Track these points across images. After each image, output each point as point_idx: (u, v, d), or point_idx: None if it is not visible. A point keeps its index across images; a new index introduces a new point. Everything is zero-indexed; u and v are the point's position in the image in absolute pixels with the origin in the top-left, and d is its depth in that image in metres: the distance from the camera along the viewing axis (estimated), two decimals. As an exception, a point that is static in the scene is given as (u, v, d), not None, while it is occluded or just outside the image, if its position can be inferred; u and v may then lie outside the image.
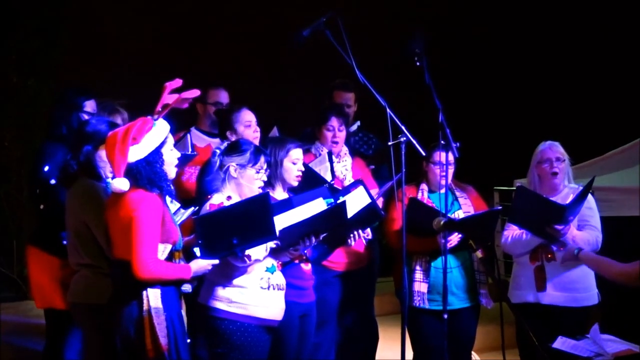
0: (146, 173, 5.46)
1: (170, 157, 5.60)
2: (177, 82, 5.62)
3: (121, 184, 5.39)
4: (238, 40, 12.88)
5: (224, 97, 8.02)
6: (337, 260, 7.18)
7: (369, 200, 6.48)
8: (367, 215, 6.52)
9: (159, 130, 5.54)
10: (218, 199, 5.93)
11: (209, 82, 8.05)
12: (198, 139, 7.63)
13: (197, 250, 5.68)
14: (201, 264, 5.60)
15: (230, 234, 5.56)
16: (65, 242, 6.12)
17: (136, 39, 12.37)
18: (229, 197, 5.93)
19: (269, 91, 12.28)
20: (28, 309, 8.60)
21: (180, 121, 6.45)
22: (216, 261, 5.65)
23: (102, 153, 5.88)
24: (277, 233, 5.71)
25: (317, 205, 6.06)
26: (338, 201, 6.16)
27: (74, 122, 6.54)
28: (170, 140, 5.62)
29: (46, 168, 6.45)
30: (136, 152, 5.44)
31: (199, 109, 7.86)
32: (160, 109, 5.57)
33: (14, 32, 11.00)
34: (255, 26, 12.94)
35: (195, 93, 5.78)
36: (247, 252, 5.72)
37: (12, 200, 10.86)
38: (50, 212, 6.44)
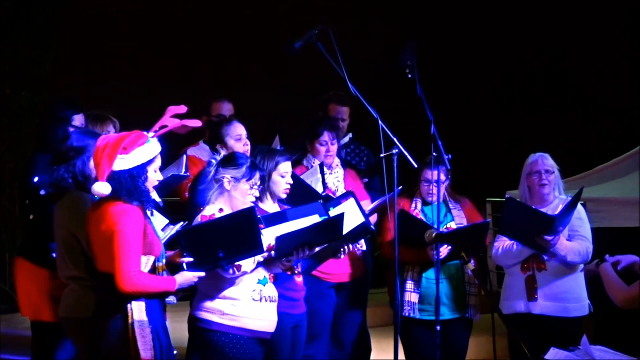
0: (127, 185, 5.43)
1: (153, 178, 5.57)
2: (182, 109, 5.66)
3: (103, 188, 5.36)
4: (238, 51, 12.90)
5: (227, 109, 8.04)
6: (331, 271, 7.19)
7: (359, 213, 6.47)
8: (358, 231, 6.52)
9: (150, 148, 5.51)
10: (210, 211, 5.92)
11: (204, 94, 8.07)
12: (204, 152, 7.63)
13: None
14: (187, 277, 5.57)
15: (216, 247, 5.57)
16: (54, 255, 6.09)
17: (130, 51, 12.38)
18: (221, 210, 5.92)
19: (271, 101, 12.29)
20: (20, 321, 8.57)
21: (189, 135, 6.48)
22: (202, 274, 5.62)
23: (92, 164, 5.88)
24: (275, 242, 5.73)
25: (312, 221, 6.06)
26: (334, 214, 6.16)
27: (61, 135, 6.51)
28: (158, 162, 5.59)
29: (36, 179, 6.43)
30: (123, 162, 5.43)
31: (204, 123, 7.87)
32: (157, 129, 5.57)
33: (5, 43, 11.00)
34: (255, 35, 12.96)
35: (197, 123, 5.84)
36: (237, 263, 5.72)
37: (4, 212, 10.85)
38: (40, 223, 6.41)
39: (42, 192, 6.28)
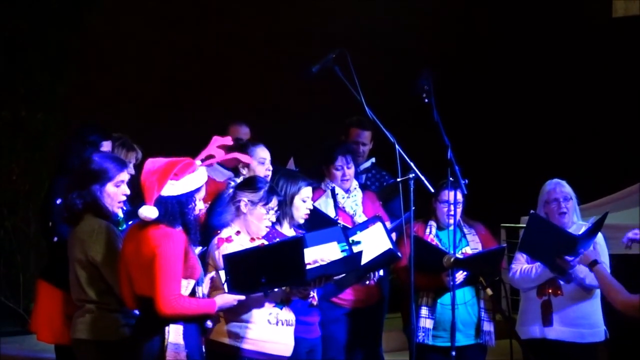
0: (174, 211, 5.45)
1: (199, 206, 5.61)
2: (228, 140, 5.70)
3: (150, 211, 5.37)
4: (253, 71, 12.94)
5: (244, 132, 8.06)
6: (347, 297, 7.16)
7: (386, 239, 6.47)
8: (385, 259, 6.51)
9: (199, 176, 5.55)
10: (227, 233, 5.93)
11: (216, 118, 8.09)
12: (218, 173, 7.66)
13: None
14: (227, 299, 5.55)
15: (259, 273, 5.54)
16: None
17: (144, 75, 12.42)
18: (237, 232, 5.94)
19: (285, 123, 12.31)
20: (33, 343, 8.57)
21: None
22: (242, 297, 5.59)
23: (110, 189, 5.89)
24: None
25: (331, 249, 6.07)
26: (355, 248, 6.17)
27: (81, 160, 6.51)
28: (204, 190, 5.62)
29: (58, 201, 6.43)
30: (172, 188, 5.45)
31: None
32: (204, 158, 5.59)
33: (20, 66, 11.06)
34: (271, 56, 13.01)
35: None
36: None
37: (19, 234, 10.87)
38: (63, 245, 6.42)
39: (65, 215, 6.28)
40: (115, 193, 5.92)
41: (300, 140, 10.85)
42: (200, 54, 12.97)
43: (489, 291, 6.48)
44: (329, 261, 5.89)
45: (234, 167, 7.16)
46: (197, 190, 5.54)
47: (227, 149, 5.78)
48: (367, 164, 8.18)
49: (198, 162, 5.56)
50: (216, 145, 5.61)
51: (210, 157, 5.60)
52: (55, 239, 6.54)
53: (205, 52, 13.01)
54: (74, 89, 11.50)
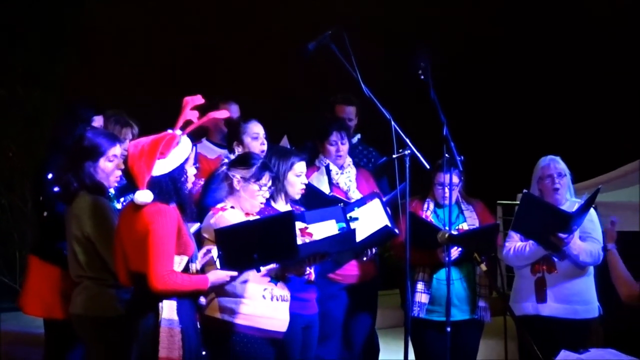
0: (169, 188, 5.46)
1: (191, 174, 5.60)
2: (199, 99, 5.63)
3: (145, 196, 5.38)
4: (247, 52, 12.94)
5: (234, 110, 8.05)
6: (343, 272, 7.18)
7: (384, 215, 6.48)
8: (382, 235, 6.53)
9: (184, 146, 5.55)
10: (222, 205, 5.96)
11: (216, 94, 8.09)
12: (209, 150, 7.67)
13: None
14: (219, 275, 5.56)
15: (251, 249, 5.52)
16: (66, 252, 6.11)
17: (142, 55, 12.43)
18: (232, 207, 5.95)
19: (279, 100, 12.32)
20: (30, 319, 8.60)
21: (192, 132, 6.49)
22: (235, 273, 5.61)
23: (103, 165, 5.91)
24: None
25: (329, 227, 6.07)
26: (352, 225, 6.17)
27: (77, 135, 6.52)
28: (192, 156, 5.61)
29: (50, 176, 6.44)
30: (162, 167, 5.45)
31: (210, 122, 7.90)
32: (182, 125, 5.56)
33: (19, 45, 11.05)
34: (265, 36, 13.00)
35: (224, 114, 5.87)
36: None
37: (15, 211, 10.89)
38: (53, 221, 6.43)
39: (55, 190, 6.29)
40: (109, 168, 5.94)
41: (294, 118, 10.86)
42: (199, 35, 12.97)
43: (484, 267, 6.51)
44: (321, 238, 5.90)
45: (227, 144, 7.17)
46: (186, 160, 5.55)
47: (203, 110, 5.73)
48: (354, 140, 8.19)
49: (178, 131, 5.54)
50: (190, 107, 5.57)
51: (189, 122, 5.57)
52: (45, 213, 6.54)
53: (203, 33, 13.01)
54: (72, 67, 11.50)
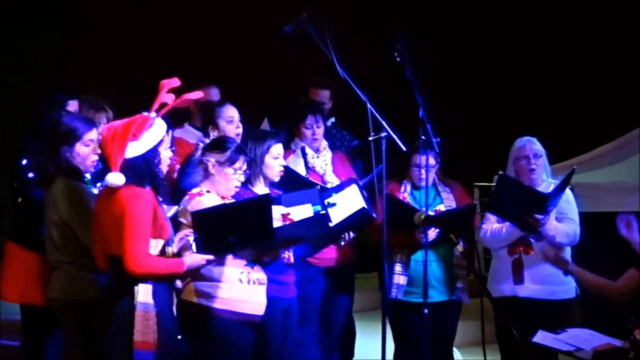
0: (142, 170, 5.43)
1: (165, 156, 5.58)
2: (175, 82, 5.59)
3: (117, 178, 5.36)
4: (229, 34, 12.92)
5: (214, 94, 8.03)
6: (322, 256, 7.18)
7: (361, 201, 6.49)
8: (359, 218, 6.53)
9: (158, 129, 5.51)
10: (198, 190, 5.95)
11: (198, 78, 8.07)
12: (191, 135, 7.65)
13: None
14: (195, 258, 5.54)
15: (228, 233, 5.51)
16: (43, 238, 6.09)
17: (126, 41, 12.40)
18: (208, 191, 5.94)
19: (260, 83, 12.31)
20: (9, 306, 8.56)
21: (174, 117, 6.46)
22: (211, 256, 5.58)
23: (79, 149, 5.89)
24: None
25: (305, 211, 6.07)
26: (324, 210, 6.17)
27: (53, 120, 6.50)
28: (167, 140, 5.59)
29: (24, 161, 6.43)
30: (134, 149, 5.42)
31: (191, 106, 7.87)
32: (158, 108, 5.53)
33: (1, 31, 11.01)
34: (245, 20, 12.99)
35: (197, 95, 5.79)
36: None
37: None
38: (28, 206, 6.41)
39: (30, 175, 6.27)
40: (86, 152, 5.93)
41: (275, 101, 10.85)
42: (181, 17, 12.93)
43: (460, 247, 6.52)
44: (294, 221, 5.90)
45: (203, 128, 7.16)
46: (160, 142, 5.53)
47: (179, 93, 5.71)
48: (328, 124, 8.17)
49: (153, 114, 5.52)
50: (166, 90, 5.54)
51: (164, 105, 5.54)
52: (20, 199, 6.52)
53: (186, 15, 12.98)
54: (54, 54, 11.44)
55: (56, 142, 5.93)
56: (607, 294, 6.18)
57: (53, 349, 6.52)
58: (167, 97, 5.54)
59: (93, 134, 5.98)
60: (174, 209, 5.99)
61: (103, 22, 12.31)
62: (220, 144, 6.07)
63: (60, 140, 5.93)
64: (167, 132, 5.59)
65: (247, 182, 6.26)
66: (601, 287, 6.23)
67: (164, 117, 5.57)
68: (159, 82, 5.56)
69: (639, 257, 6.04)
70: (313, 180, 6.95)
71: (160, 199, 5.61)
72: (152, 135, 5.48)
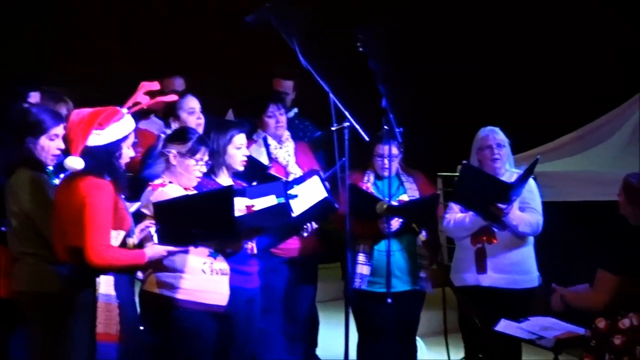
0: (102, 160, 5.41)
1: (127, 154, 5.55)
2: (155, 85, 5.60)
3: (76, 162, 5.32)
4: (195, 25, 12.90)
5: (179, 84, 8.00)
6: (285, 246, 7.18)
7: (323, 192, 6.49)
8: (322, 209, 6.53)
9: (125, 124, 5.49)
10: (160, 181, 5.94)
11: (164, 68, 8.06)
12: (155, 126, 7.62)
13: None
14: (157, 250, 5.51)
15: (190, 224, 5.50)
16: (3, 229, 6.04)
17: (112, 34, 12.39)
18: (170, 182, 5.93)
19: (225, 75, 12.29)
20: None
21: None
22: (172, 248, 5.56)
23: (44, 142, 5.86)
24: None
25: (269, 203, 6.06)
26: (297, 192, 6.18)
27: (16, 112, 6.46)
28: (132, 138, 5.56)
29: None
30: (98, 138, 5.39)
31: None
32: (131, 105, 5.52)
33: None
34: (216, 10, 12.96)
35: (172, 98, 5.82)
36: None
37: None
38: None
39: None
40: (49, 146, 5.89)
41: (240, 92, 10.86)
42: (143, 7, 12.89)
43: (422, 237, 6.55)
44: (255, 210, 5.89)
45: (164, 118, 7.14)
46: (124, 138, 5.50)
47: (155, 94, 5.72)
48: (290, 114, 8.17)
49: (124, 110, 5.50)
50: (143, 91, 5.56)
51: (137, 104, 5.54)
52: None
53: (147, 4, 12.94)
54: (36, 46, 11.41)
55: (21, 133, 5.89)
56: (593, 308, 6.14)
57: (19, 341, 6.47)
58: (141, 98, 5.55)
59: (59, 129, 5.94)
60: (136, 205, 5.98)
61: (91, 19, 12.31)
62: (181, 135, 6.05)
63: (26, 130, 5.89)
64: (134, 130, 5.56)
65: (211, 173, 6.26)
66: (585, 303, 6.20)
67: (133, 114, 5.56)
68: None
69: (604, 246, 6.06)
70: (275, 174, 6.94)
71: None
72: (118, 129, 5.46)
